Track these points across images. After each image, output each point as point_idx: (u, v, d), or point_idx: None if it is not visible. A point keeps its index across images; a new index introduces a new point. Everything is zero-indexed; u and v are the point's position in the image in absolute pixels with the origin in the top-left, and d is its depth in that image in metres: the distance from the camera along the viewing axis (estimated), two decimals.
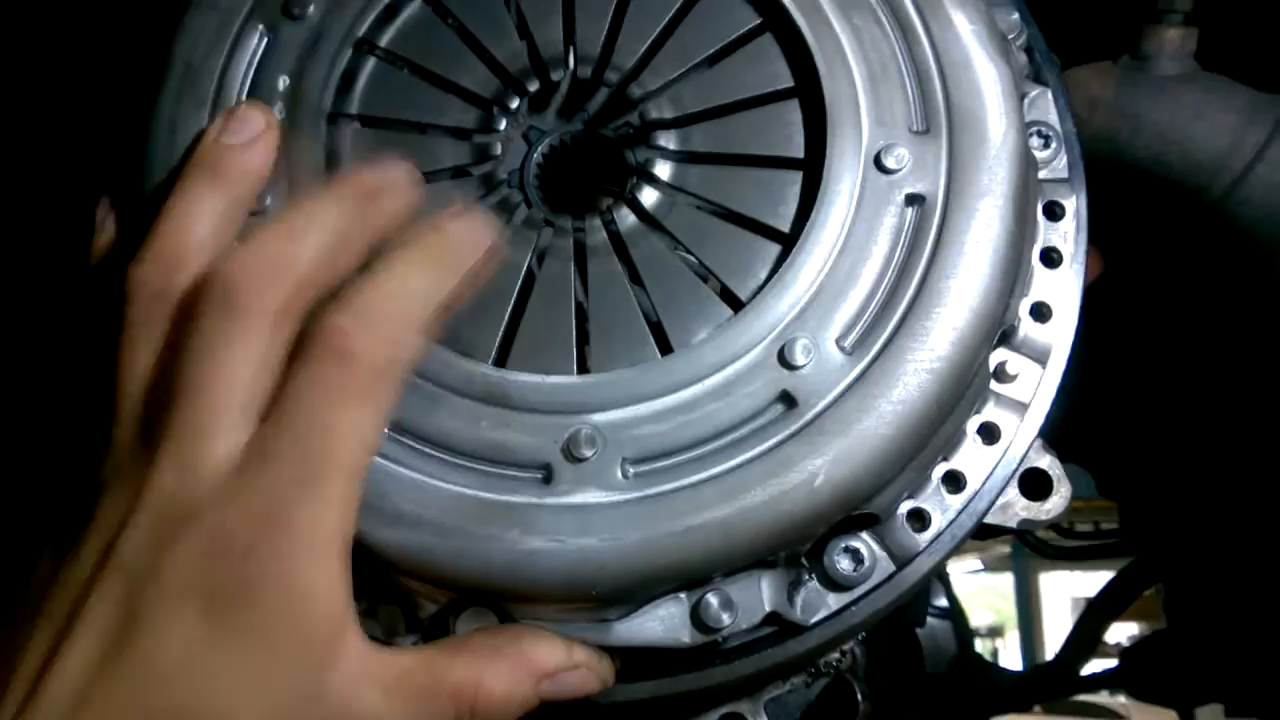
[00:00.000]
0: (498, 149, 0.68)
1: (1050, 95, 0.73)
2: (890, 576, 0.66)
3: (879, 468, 0.61)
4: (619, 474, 0.60)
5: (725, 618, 0.62)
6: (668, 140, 0.67)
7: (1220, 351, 1.17)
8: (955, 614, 1.53)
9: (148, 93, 0.65)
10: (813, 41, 0.66)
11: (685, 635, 0.62)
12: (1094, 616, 1.70)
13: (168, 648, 0.49)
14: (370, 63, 0.68)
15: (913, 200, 0.64)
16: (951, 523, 0.67)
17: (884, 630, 1.25)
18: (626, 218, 0.66)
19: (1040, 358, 0.69)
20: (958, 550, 0.69)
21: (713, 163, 0.67)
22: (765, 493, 0.59)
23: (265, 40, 0.66)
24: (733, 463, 0.60)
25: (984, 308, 0.63)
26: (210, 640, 0.50)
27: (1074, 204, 0.71)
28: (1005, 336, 0.69)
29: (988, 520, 0.72)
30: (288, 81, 0.65)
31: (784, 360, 0.61)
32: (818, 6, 0.67)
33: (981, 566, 7.52)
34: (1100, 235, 1.07)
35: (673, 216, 0.66)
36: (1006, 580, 7.32)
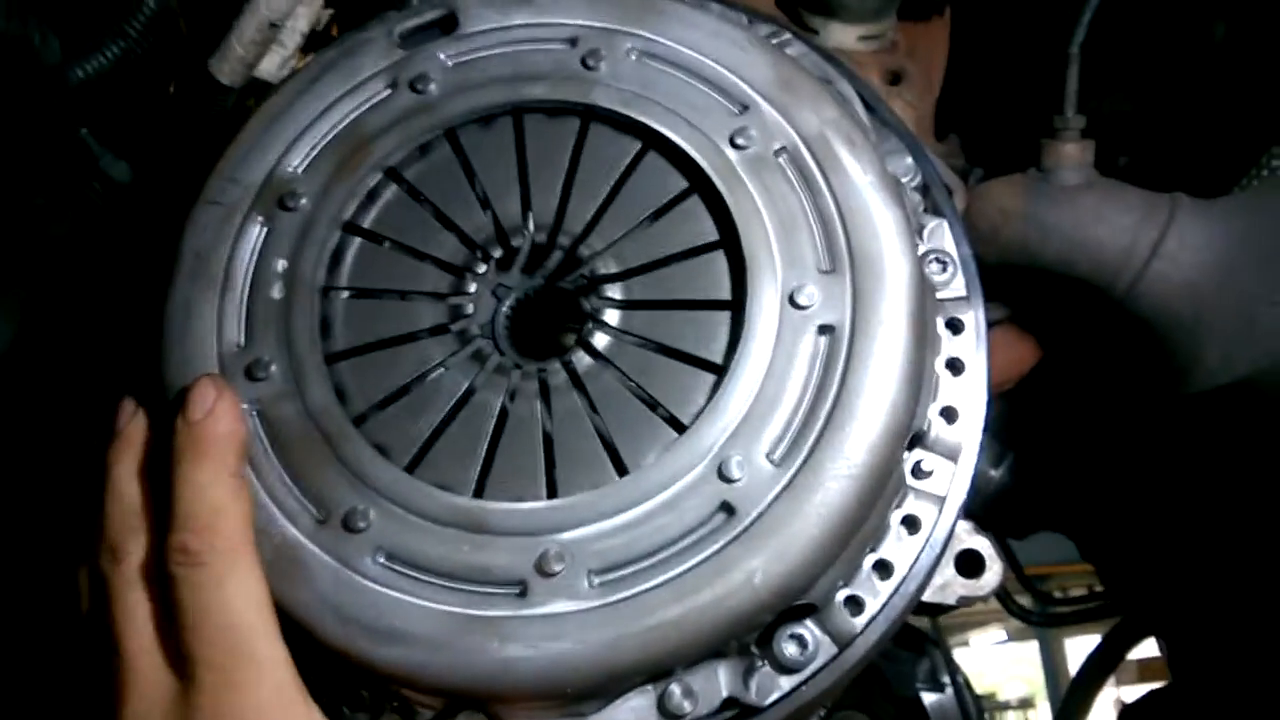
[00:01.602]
0: (470, 308, 0.79)
1: (947, 225, 0.85)
2: (834, 657, 0.75)
3: (810, 562, 0.70)
4: (585, 584, 0.69)
5: (687, 705, 0.71)
6: (615, 291, 0.78)
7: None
8: (960, 688, 1.59)
9: (159, 282, 0.77)
10: (730, 201, 0.77)
11: None
12: (1087, 679, 1.76)
13: None
14: (355, 242, 0.79)
15: (824, 330, 0.74)
16: (885, 605, 0.76)
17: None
18: (583, 359, 0.77)
19: (952, 455, 0.79)
20: (894, 631, 0.78)
21: (653, 308, 0.78)
22: (713, 592, 0.69)
23: (264, 230, 0.78)
24: (683, 567, 0.69)
25: (892, 418, 0.73)
26: None
27: (972, 318, 0.82)
28: (918, 439, 0.78)
29: (927, 599, 0.82)
30: (285, 264, 0.77)
31: (722, 475, 0.71)
32: (734, 170, 0.78)
33: (1006, 637, 7.44)
34: (1033, 323, 1.19)
35: (622, 355, 0.77)
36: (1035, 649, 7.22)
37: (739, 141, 0.79)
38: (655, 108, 0.80)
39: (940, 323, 0.82)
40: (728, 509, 0.70)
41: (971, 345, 0.82)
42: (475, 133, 0.82)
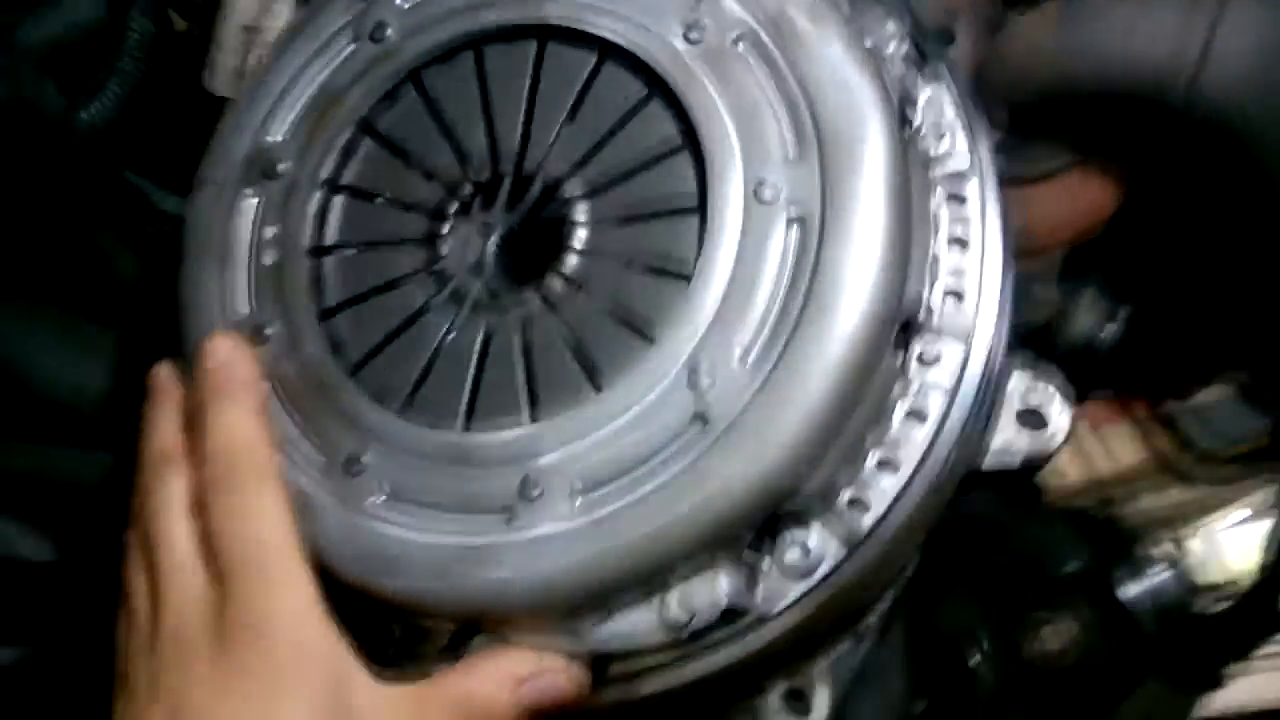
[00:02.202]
0: (445, 249, 0.79)
1: (945, 91, 0.78)
2: (844, 560, 0.72)
3: (789, 465, 0.68)
4: (567, 505, 0.69)
5: (685, 616, 0.70)
6: (582, 212, 0.77)
7: None
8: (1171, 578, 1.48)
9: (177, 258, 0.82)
10: (687, 100, 0.74)
11: (654, 636, 0.71)
12: None
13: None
14: (338, 199, 0.82)
15: (794, 222, 0.71)
16: (895, 502, 0.72)
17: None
18: (556, 284, 0.77)
19: (962, 336, 0.74)
20: (922, 525, 0.75)
21: (621, 224, 0.76)
22: (690, 503, 0.67)
23: (256, 201, 0.82)
24: (660, 480, 0.68)
25: (872, 308, 0.68)
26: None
27: (976, 190, 0.76)
28: (918, 325, 0.74)
29: (989, 467, 0.78)
30: (275, 230, 0.80)
31: (693, 384, 0.69)
32: (688, 67, 0.75)
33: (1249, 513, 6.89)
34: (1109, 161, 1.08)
35: (594, 276, 0.76)
36: None
37: (692, 36, 0.75)
38: (607, 16, 0.77)
39: (941, 197, 0.76)
40: (701, 419, 0.69)
41: (977, 219, 0.75)
42: (438, 72, 0.82)
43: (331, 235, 0.81)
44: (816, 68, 0.73)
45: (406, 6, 0.82)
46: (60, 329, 0.95)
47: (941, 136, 0.76)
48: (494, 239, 0.80)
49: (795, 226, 0.71)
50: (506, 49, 0.81)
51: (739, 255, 0.71)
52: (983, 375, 0.74)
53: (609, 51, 0.78)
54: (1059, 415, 0.80)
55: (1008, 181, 1.10)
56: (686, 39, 0.75)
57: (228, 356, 0.75)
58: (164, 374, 0.79)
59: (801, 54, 0.73)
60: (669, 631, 0.70)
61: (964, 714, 1.05)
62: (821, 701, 0.79)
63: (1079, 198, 1.12)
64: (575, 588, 0.69)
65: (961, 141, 0.76)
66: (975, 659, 1.11)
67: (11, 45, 0.93)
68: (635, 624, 0.71)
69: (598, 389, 0.72)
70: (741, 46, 0.74)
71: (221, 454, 0.72)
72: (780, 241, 0.71)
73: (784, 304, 0.69)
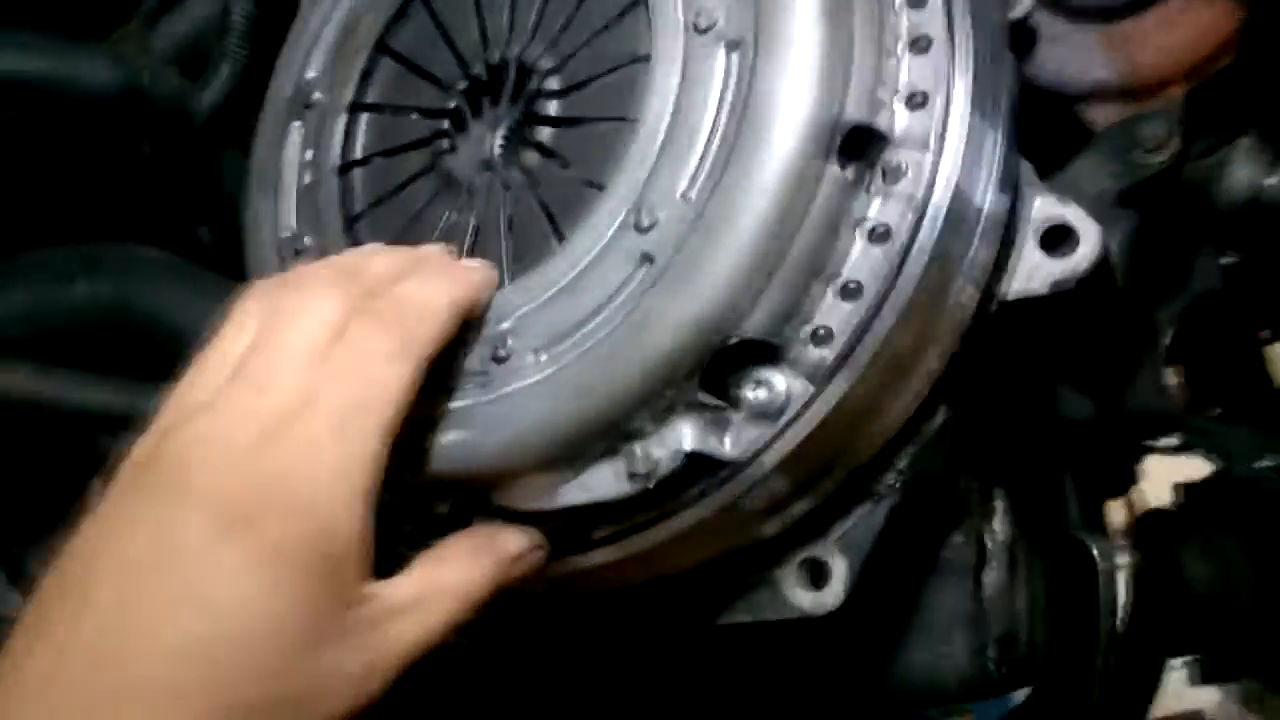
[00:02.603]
0: (452, 144, 0.83)
1: None
2: (813, 396, 0.68)
3: (727, 293, 0.65)
4: (532, 361, 0.71)
5: (648, 465, 0.69)
6: (554, 81, 0.79)
7: None
8: None
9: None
10: None
11: (621, 487, 0.70)
12: None
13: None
14: (362, 118, 0.89)
15: (732, 48, 0.68)
16: (861, 331, 0.67)
17: None
18: (534, 157, 0.79)
19: (925, 144, 0.68)
20: (904, 351, 0.69)
21: (585, 85, 0.77)
22: (636, 345, 0.67)
23: (301, 130, 0.91)
24: (611, 328, 0.68)
25: (806, 123, 0.65)
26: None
27: None
28: (877, 136, 0.68)
29: (1015, 295, 0.72)
30: (311, 153, 0.89)
31: (638, 226, 0.69)
32: None
33: None
34: None
35: (565, 141, 0.77)
36: None
37: None
38: None
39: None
40: (648, 259, 0.68)
41: (939, 16, 0.69)
42: None
43: (357, 151, 0.88)
44: None
45: None
46: (195, 282, 1.09)
47: None
48: (489, 127, 0.83)
49: (735, 51, 0.68)
50: None
51: (680, 91, 0.69)
52: (959, 183, 0.68)
53: None
54: (1087, 232, 0.71)
55: (1094, 14, 1.00)
56: None
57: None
58: None
59: None
60: (635, 482, 0.69)
61: (1090, 624, 0.95)
62: (840, 571, 0.74)
63: (1181, 24, 0.98)
64: (540, 442, 0.69)
65: None
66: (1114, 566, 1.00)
67: (147, 46, 1.09)
68: (604, 478, 0.71)
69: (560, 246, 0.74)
70: None
71: (400, 303, 0.66)
72: (720, 69, 0.68)
73: (724, 131, 0.67)
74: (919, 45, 0.69)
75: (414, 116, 0.86)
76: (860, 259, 0.67)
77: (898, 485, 0.75)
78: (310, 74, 0.91)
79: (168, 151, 1.08)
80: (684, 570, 0.76)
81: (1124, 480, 1.31)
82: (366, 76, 0.89)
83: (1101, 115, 1.04)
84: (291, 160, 0.90)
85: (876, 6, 0.69)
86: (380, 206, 0.85)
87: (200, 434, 0.58)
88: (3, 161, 1.06)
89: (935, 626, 0.88)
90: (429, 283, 0.70)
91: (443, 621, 0.64)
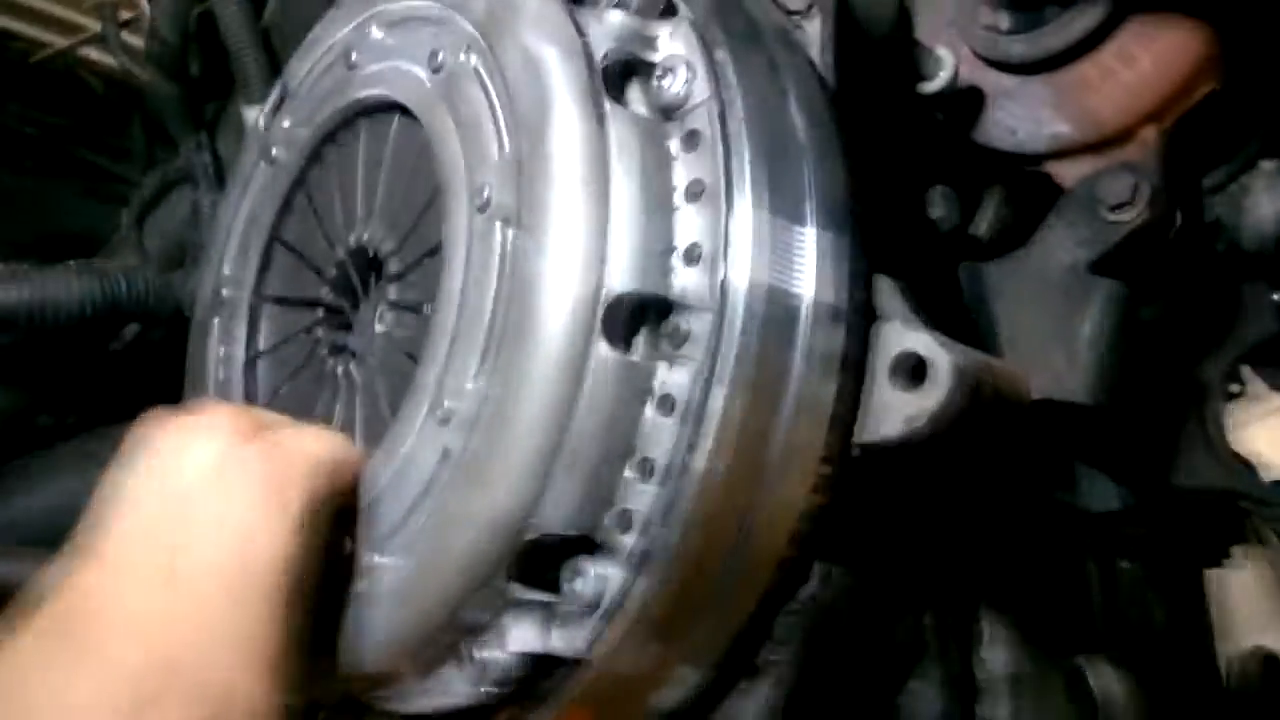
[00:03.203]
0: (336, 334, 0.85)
1: (686, 25, 0.67)
2: (632, 581, 0.62)
3: (514, 493, 0.61)
4: (368, 563, 0.68)
5: (479, 668, 0.65)
6: (395, 264, 0.78)
7: None
8: None
9: None
10: (430, 131, 0.73)
11: (463, 690, 0.66)
12: None
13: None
14: (265, 308, 0.91)
15: (506, 223, 0.65)
16: (667, 504, 0.61)
17: None
18: (379, 343, 0.78)
19: (706, 306, 0.61)
20: (725, 523, 0.62)
21: (414, 268, 0.76)
22: (445, 547, 0.64)
23: (218, 327, 0.93)
24: (415, 529, 0.66)
25: (569, 301, 0.61)
26: None
27: (706, 119, 0.63)
28: (655, 302, 0.62)
29: (866, 440, 0.64)
30: (224, 348, 0.91)
31: (439, 419, 0.66)
32: (430, 97, 0.73)
33: None
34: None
35: (399, 327, 0.76)
36: None
37: (435, 65, 0.73)
38: (390, 72, 0.78)
39: (674, 144, 0.64)
40: (447, 453, 0.65)
41: (712, 159, 0.62)
42: (315, 172, 0.88)
43: (260, 343, 0.90)
44: (511, 53, 0.67)
45: (287, 125, 0.90)
46: None
47: (672, 73, 0.65)
48: (363, 310, 0.83)
49: (510, 227, 0.65)
50: (348, 132, 0.85)
51: (466, 276, 0.67)
52: (757, 336, 0.60)
53: (399, 107, 0.78)
54: (938, 363, 0.61)
55: (1039, 64, 0.89)
56: (433, 70, 0.73)
57: None
58: None
59: (503, 44, 0.68)
60: (474, 684, 0.66)
61: None
62: None
63: (1141, 57, 0.85)
64: (375, 649, 0.68)
65: (698, 70, 0.64)
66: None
67: (139, 248, 1.17)
68: (445, 683, 0.67)
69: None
70: (473, 59, 0.71)
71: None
72: (497, 249, 0.65)
73: (503, 316, 0.64)
74: (693, 193, 0.63)
75: (305, 306, 0.87)
76: (653, 433, 0.61)
77: (778, 656, 0.67)
78: (225, 270, 0.94)
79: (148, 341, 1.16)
80: None
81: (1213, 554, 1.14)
82: (265, 268, 0.91)
83: (1069, 173, 0.92)
84: (211, 356, 0.93)
85: (649, 159, 0.64)
86: (276, 398, 0.87)
87: (105, 592, 0.59)
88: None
89: None
90: (305, 435, 0.69)
91: None
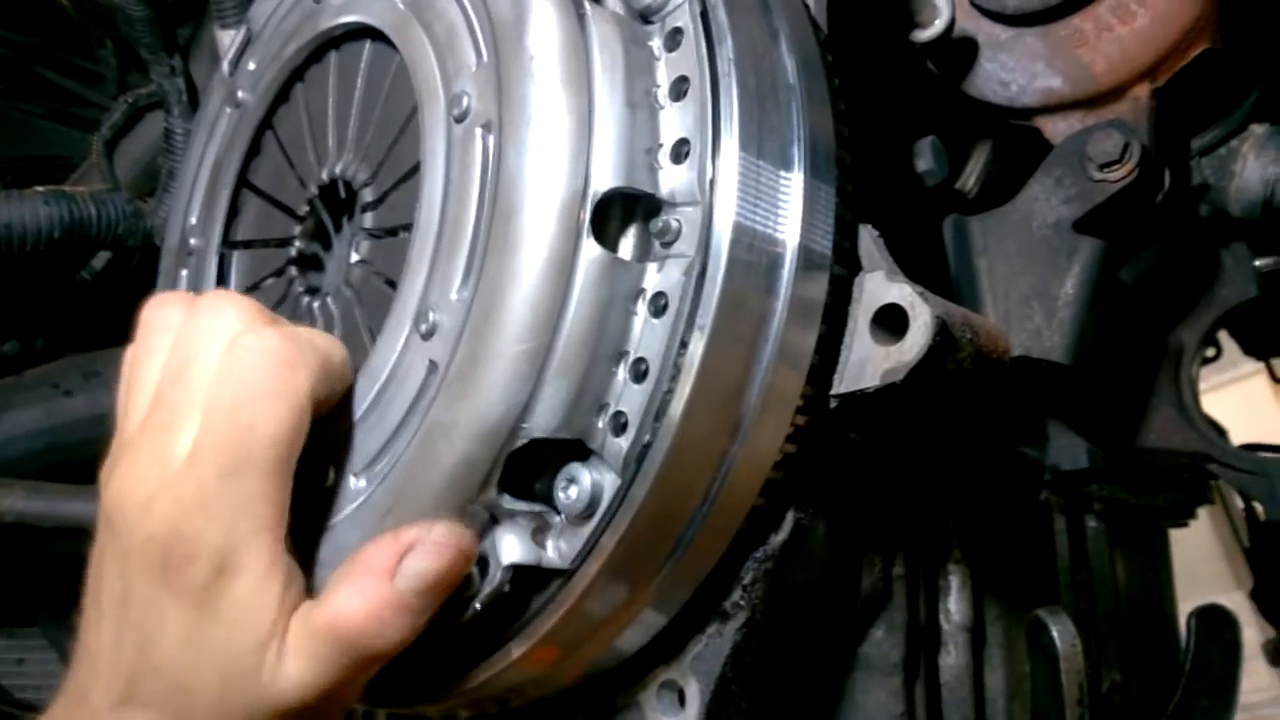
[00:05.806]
0: (293, 251, 0.83)
1: None
2: (624, 488, 0.61)
3: (501, 397, 0.60)
4: (353, 486, 0.67)
5: (474, 585, 0.64)
6: (369, 194, 0.76)
7: None
8: None
9: None
10: (400, 47, 0.71)
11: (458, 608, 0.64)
12: None
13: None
14: (234, 255, 0.88)
15: (487, 129, 0.64)
16: (658, 413, 0.60)
17: None
18: (357, 271, 0.76)
19: (694, 200, 0.61)
20: (718, 433, 0.61)
21: (390, 194, 0.74)
22: (432, 459, 0.62)
23: (186, 277, 0.91)
24: (409, 440, 0.64)
25: (553, 202, 0.60)
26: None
27: (688, 18, 0.63)
28: (643, 199, 0.62)
29: (843, 390, 0.64)
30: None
31: (423, 333, 0.65)
32: (402, 19, 0.72)
33: None
34: None
35: (378, 252, 0.74)
36: None
37: None
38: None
39: (656, 44, 0.64)
40: (434, 365, 0.64)
41: (693, 58, 0.62)
42: (282, 111, 0.86)
43: (234, 287, 0.88)
44: None
45: (252, 67, 0.87)
46: None
47: None
48: (337, 244, 0.82)
49: (491, 134, 0.63)
50: (318, 67, 0.83)
51: (446, 189, 0.65)
52: (750, 227, 0.60)
53: (369, 33, 0.77)
54: (918, 314, 0.61)
55: (1036, 15, 0.88)
56: None
57: None
58: None
59: None
60: (464, 604, 0.65)
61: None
62: (693, 695, 0.68)
63: (1138, 12, 0.84)
64: None
65: None
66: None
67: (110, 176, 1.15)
68: None
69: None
70: None
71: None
72: (479, 158, 0.64)
73: (486, 223, 0.62)
74: (677, 92, 0.62)
75: (276, 246, 0.85)
76: (645, 335, 0.61)
77: (746, 602, 0.67)
78: (191, 220, 0.91)
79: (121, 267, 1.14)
80: (556, 691, 0.72)
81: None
82: (233, 215, 0.89)
83: (1058, 128, 0.91)
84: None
85: (630, 58, 0.63)
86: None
87: (125, 481, 0.64)
88: None
89: None
90: (314, 332, 0.68)
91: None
